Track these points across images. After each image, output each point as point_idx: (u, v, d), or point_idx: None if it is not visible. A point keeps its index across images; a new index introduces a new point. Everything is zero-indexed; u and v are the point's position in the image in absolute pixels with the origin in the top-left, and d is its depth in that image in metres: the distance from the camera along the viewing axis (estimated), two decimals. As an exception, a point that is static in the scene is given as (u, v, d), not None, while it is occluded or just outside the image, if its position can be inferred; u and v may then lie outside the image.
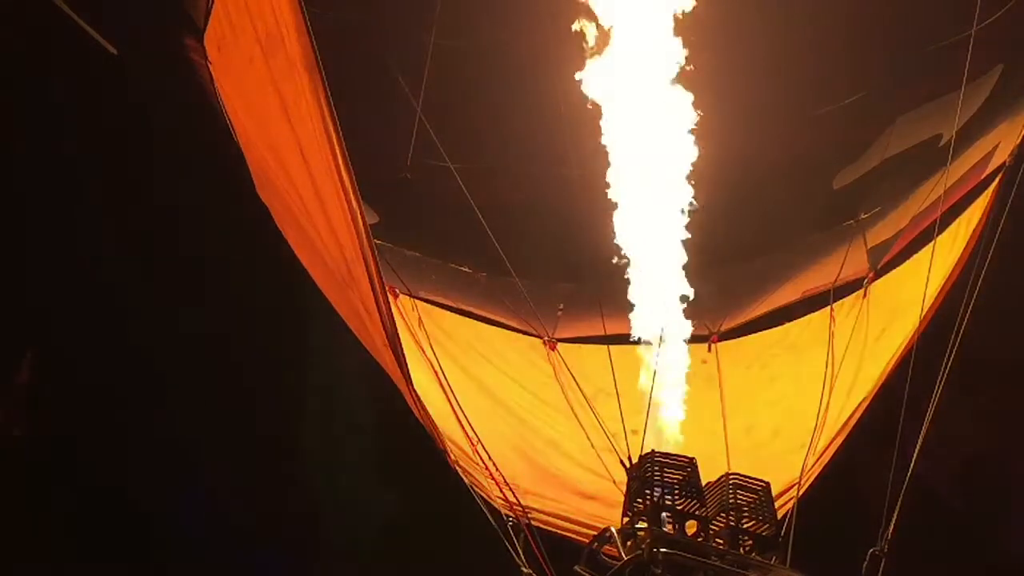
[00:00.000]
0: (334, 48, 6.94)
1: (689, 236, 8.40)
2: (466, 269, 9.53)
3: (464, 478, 7.86)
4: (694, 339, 8.71)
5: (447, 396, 8.00)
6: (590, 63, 8.50)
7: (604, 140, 8.47)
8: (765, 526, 7.14)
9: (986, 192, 8.28)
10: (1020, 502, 10.72)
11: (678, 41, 8.44)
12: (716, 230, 8.68)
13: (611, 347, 8.84)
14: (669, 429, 8.16)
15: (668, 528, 7.05)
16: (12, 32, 8.53)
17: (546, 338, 9.54)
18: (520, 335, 9.58)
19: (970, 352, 7.93)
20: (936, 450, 8.07)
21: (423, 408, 7.79)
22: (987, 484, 10.79)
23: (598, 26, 8.49)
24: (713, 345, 9.55)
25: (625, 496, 7.27)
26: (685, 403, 8.31)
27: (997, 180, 8.17)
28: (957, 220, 8.47)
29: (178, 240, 9.73)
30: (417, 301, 9.04)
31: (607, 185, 8.46)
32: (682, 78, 8.45)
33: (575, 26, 8.54)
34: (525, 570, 7.31)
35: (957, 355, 7.75)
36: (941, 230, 8.30)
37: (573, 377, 9.01)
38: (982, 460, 10.71)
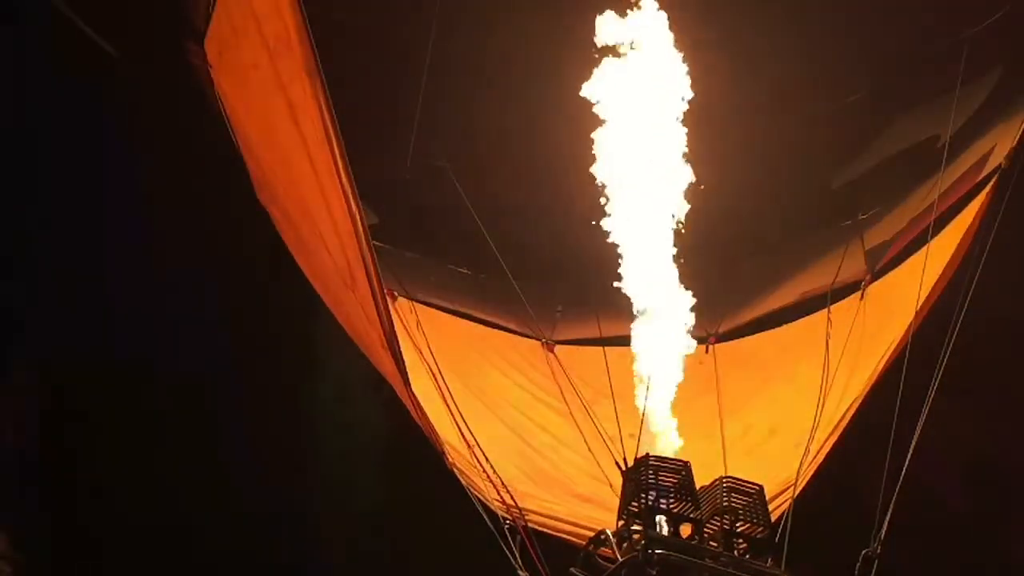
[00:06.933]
0: (334, 50, 6.97)
1: (687, 237, 8.42)
2: (465, 271, 9.56)
3: (461, 480, 7.89)
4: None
5: (445, 398, 8.01)
6: (588, 63, 8.52)
7: (602, 141, 8.49)
8: (759, 529, 7.17)
9: (982, 194, 8.27)
10: (1020, 503, 10.71)
11: (676, 41, 8.46)
12: (714, 231, 8.70)
13: (610, 349, 8.87)
14: (666, 431, 8.18)
15: (663, 530, 7.09)
16: (12, 33, 8.58)
17: (544, 340, 9.57)
18: (518, 337, 9.61)
19: (970, 352, 7.96)
20: (935, 451, 8.09)
21: (420, 410, 7.81)
22: (987, 485, 10.79)
23: (596, 26, 8.52)
24: (710, 346, 9.57)
25: (620, 499, 7.29)
26: (682, 405, 8.32)
27: (993, 182, 8.17)
28: (954, 222, 8.46)
29: (177, 241, 9.77)
30: (415, 303, 9.06)
31: (605, 186, 8.48)
32: (680, 78, 8.47)
33: (573, 26, 8.57)
34: (521, 573, 7.33)
35: (957, 356, 7.76)
36: (936, 232, 8.31)
37: (570, 380, 9.04)
38: (982, 461, 10.71)
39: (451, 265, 9.56)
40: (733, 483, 7.24)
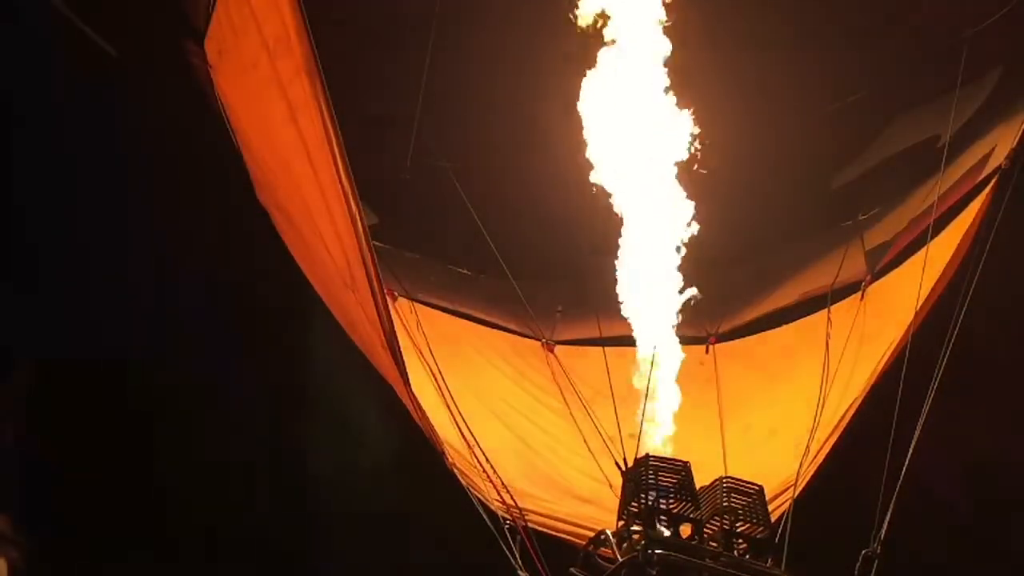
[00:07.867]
0: (334, 50, 6.98)
1: (687, 237, 8.42)
2: (465, 271, 9.57)
3: (461, 480, 7.90)
4: (692, 341, 8.74)
5: (444, 398, 8.02)
6: (588, 63, 8.52)
7: (602, 141, 8.49)
8: (759, 529, 7.18)
9: (982, 194, 8.27)
10: (1020, 503, 10.71)
11: (677, 41, 8.47)
12: (714, 231, 8.69)
13: (610, 349, 8.86)
14: (666, 431, 8.19)
15: (663, 531, 7.10)
16: (12, 33, 8.58)
17: (544, 340, 9.58)
18: (518, 337, 9.62)
19: (970, 352, 7.96)
20: (935, 451, 8.08)
21: (420, 410, 7.82)
22: (987, 485, 10.79)
23: (597, 26, 8.52)
24: (710, 347, 9.57)
25: (620, 499, 7.29)
26: (682, 405, 8.33)
27: (993, 182, 8.16)
28: (954, 222, 8.46)
29: (178, 242, 9.77)
30: (415, 303, 9.07)
31: (605, 186, 8.49)
32: (680, 78, 8.47)
33: (573, 27, 8.57)
34: (521, 573, 7.34)
35: (957, 356, 7.76)
36: (936, 232, 8.32)
37: (570, 380, 9.04)
38: (982, 460, 10.71)
39: (451, 265, 9.57)
40: (733, 483, 7.24)
